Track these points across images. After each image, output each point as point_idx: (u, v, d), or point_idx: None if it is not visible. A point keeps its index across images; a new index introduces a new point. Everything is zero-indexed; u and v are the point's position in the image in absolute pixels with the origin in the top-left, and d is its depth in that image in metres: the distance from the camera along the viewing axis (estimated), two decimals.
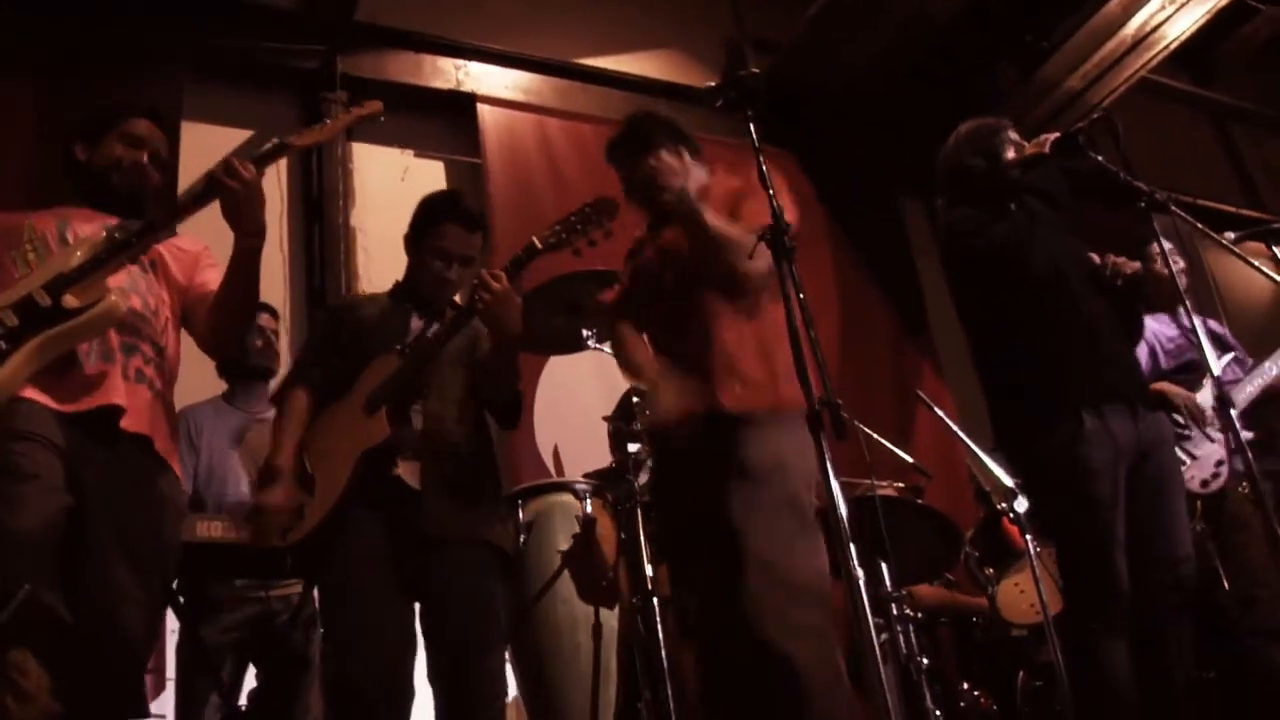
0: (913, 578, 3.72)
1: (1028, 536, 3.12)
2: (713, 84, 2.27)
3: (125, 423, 2.25)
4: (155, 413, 2.35)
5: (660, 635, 2.64)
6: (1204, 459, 3.60)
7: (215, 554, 2.77)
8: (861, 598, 1.80)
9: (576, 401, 4.57)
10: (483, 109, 5.20)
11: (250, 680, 3.24)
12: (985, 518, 4.13)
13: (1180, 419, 3.57)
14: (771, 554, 2.25)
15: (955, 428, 3.77)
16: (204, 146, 4.52)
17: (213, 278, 2.56)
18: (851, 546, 1.80)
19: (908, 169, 5.80)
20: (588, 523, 3.13)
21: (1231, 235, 3.06)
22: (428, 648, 2.45)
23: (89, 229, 2.38)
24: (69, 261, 2.25)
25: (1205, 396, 3.59)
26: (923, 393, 4.48)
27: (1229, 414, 2.59)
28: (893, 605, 3.23)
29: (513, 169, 5.13)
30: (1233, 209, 7.44)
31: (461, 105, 5.22)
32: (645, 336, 2.67)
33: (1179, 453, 3.36)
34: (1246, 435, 2.78)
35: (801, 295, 2.01)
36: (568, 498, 3.27)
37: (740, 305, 2.54)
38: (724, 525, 2.33)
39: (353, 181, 4.88)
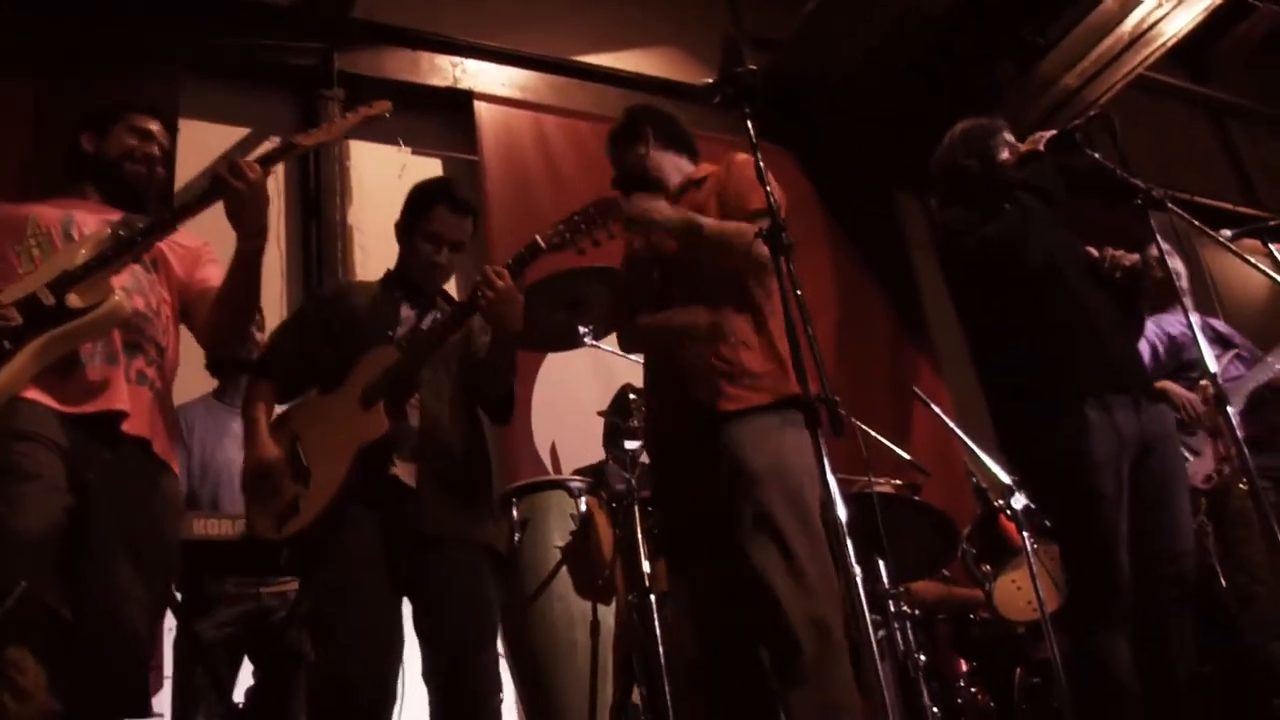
0: (910, 574, 3.72)
1: (1025, 533, 3.13)
2: (710, 81, 2.27)
3: (127, 426, 2.25)
4: (156, 414, 2.34)
5: (657, 631, 2.64)
6: (1207, 455, 3.61)
7: (211, 551, 2.77)
8: (859, 594, 1.81)
9: (574, 398, 4.57)
10: (480, 106, 5.20)
11: (246, 678, 3.25)
12: (982, 515, 4.13)
13: (1181, 417, 3.57)
14: (778, 553, 2.26)
15: (952, 424, 3.78)
16: (201, 144, 4.53)
17: (214, 274, 2.55)
18: (849, 543, 1.80)
19: (905, 165, 5.79)
20: (585, 519, 3.13)
21: (1228, 232, 3.06)
22: (423, 647, 2.44)
23: (93, 225, 2.36)
24: (73, 259, 2.23)
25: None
26: (920, 389, 4.49)
27: (1225, 411, 2.59)
28: (890, 602, 3.23)
29: (510, 166, 5.13)
30: (1230, 206, 7.44)
31: (459, 103, 5.22)
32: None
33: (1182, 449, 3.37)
34: (1244, 433, 2.78)
35: (799, 292, 2.01)
36: (563, 495, 3.27)
37: (735, 300, 2.55)
38: (725, 526, 2.34)
39: (350, 179, 4.87)
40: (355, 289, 2.90)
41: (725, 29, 6.28)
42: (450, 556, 2.45)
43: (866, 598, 1.83)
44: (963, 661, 4.09)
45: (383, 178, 4.95)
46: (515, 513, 3.21)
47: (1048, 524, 3.03)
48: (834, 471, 1.85)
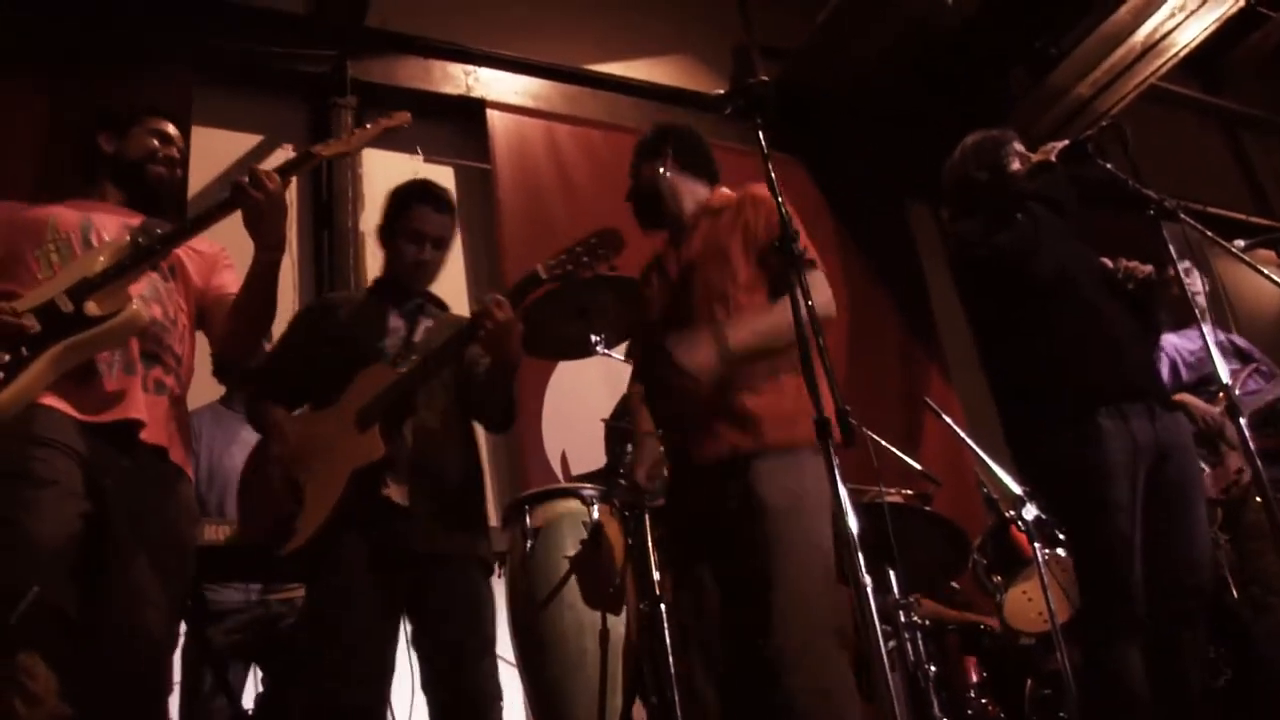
0: (921, 585, 3.71)
1: (1036, 544, 3.12)
2: (722, 91, 2.27)
3: (144, 435, 2.26)
4: (172, 422, 2.35)
5: (667, 641, 2.63)
6: (1224, 466, 3.59)
7: (220, 557, 2.78)
8: (869, 605, 1.80)
9: (585, 406, 4.57)
10: (492, 114, 5.23)
11: (253, 684, 3.25)
12: (993, 525, 4.12)
13: (1199, 429, 3.56)
14: (794, 593, 2.25)
15: (964, 435, 3.77)
16: (213, 151, 4.55)
17: (230, 280, 2.56)
18: (859, 554, 1.80)
19: (916, 175, 5.79)
20: (595, 528, 3.13)
21: (1241, 243, 3.06)
22: (422, 659, 2.45)
23: (113, 229, 2.37)
24: (92, 266, 2.23)
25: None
26: (931, 399, 4.48)
27: (1239, 424, 2.58)
28: (900, 613, 3.22)
29: (522, 174, 5.15)
30: (1242, 216, 7.42)
31: (471, 110, 5.25)
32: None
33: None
34: (1259, 445, 2.77)
35: (810, 304, 2.01)
36: (575, 503, 3.27)
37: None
38: (745, 564, 2.33)
39: (362, 186, 4.88)
40: (340, 302, 2.88)
41: (736, 38, 6.29)
42: (445, 572, 2.47)
43: (877, 608, 1.82)
44: (973, 666, 4.07)
45: (395, 185, 4.95)
46: (528, 520, 3.21)
47: (1060, 534, 3.02)
48: (844, 481, 1.85)
